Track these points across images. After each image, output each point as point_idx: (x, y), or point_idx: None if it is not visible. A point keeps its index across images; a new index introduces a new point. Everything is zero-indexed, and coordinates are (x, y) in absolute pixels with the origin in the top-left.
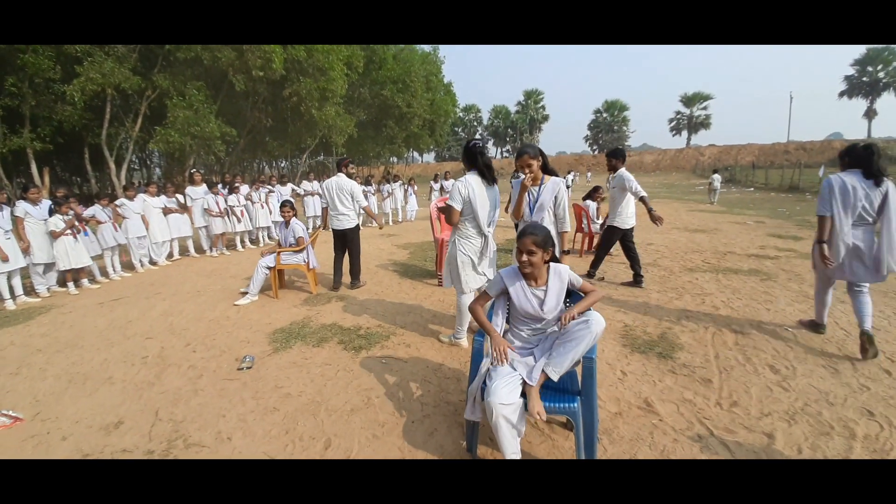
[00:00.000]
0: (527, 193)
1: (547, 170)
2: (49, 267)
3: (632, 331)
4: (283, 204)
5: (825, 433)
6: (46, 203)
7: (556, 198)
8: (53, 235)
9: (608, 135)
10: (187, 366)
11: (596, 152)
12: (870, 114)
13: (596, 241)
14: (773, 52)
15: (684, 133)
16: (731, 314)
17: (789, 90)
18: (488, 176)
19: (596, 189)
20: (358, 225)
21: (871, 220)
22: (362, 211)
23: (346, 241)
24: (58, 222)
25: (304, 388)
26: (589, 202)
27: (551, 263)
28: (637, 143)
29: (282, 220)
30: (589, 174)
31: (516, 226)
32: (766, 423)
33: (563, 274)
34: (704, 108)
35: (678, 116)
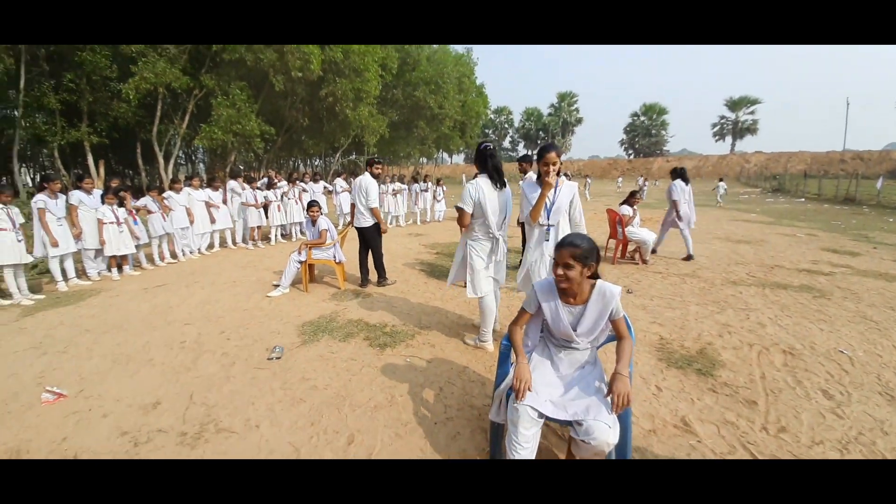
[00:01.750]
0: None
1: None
2: (99, 252)
3: (668, 344)
4: (311, 204)
5: None
6: (99, 193)
7: (571, 201)
8: (99, 224)
9: (645, 139)
10: (221, 353)
11: (632, 157)
12: None
13: (631, 247)
14: (828, 55)
15: (728, 139)
16: (778, 332)
17: (846, 95)
18: (498, 179)
19: (632, 194)
20: (376, 224)
21: None
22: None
23: (365, 239)
24: (105, 211)
25: (329, 381)
26: (625, 207)
27: (598, 281)
28: (676, 149)
29: (310, 217)
30: (620, 180)
31: (522, 228)
32: (818, 451)
33: (607, 295)
34: (752, 113)
35: (722, 121)
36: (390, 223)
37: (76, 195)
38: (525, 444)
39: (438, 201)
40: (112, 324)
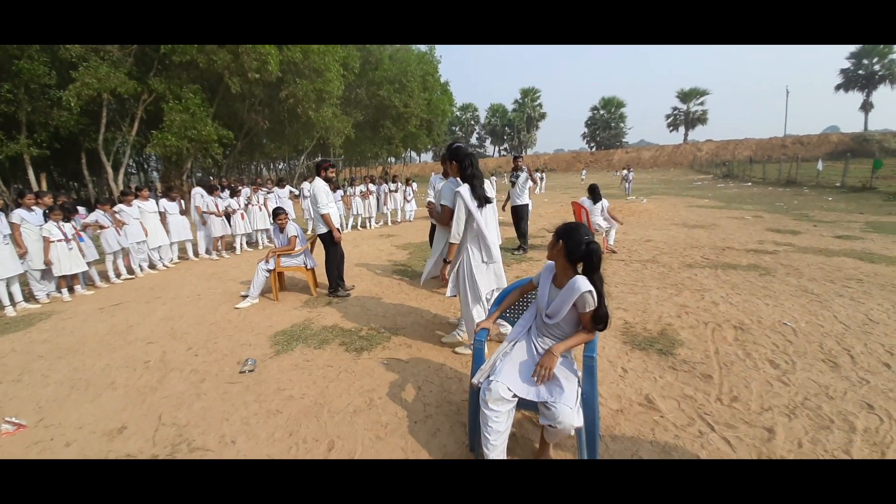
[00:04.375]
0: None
1: (465, 176)
2: (46, 273)
3: (632, 328)
4: (277, 211)
5: (825, 427)
6: (41, 210)
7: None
8: (46, 242)
9: (605, 132)
10: (189, 370)
11: (594, 149)
12: (866, 107)
13: (604, 244)
14: (769, 47)
15: (682, 129)
16: (730, 309)
17: (786, 84)
18: (481, 195)
19: (591, 189)
20: (331, 230)
21: None
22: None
23: (324, 245)
24: (51, 229)
25: (306, 390)
26: (586, 201)
27: (577, 277)
28: (634, 140)
29: (277, 225)
30: (584, 172)
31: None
32: (767, 417)
33: (574, 287)
34: (701, 104)
35: (675, 112)
36: (360, 226)
37: (18, 213)
38: (497, 419)
39: (409, 201)
40: (67, 348)
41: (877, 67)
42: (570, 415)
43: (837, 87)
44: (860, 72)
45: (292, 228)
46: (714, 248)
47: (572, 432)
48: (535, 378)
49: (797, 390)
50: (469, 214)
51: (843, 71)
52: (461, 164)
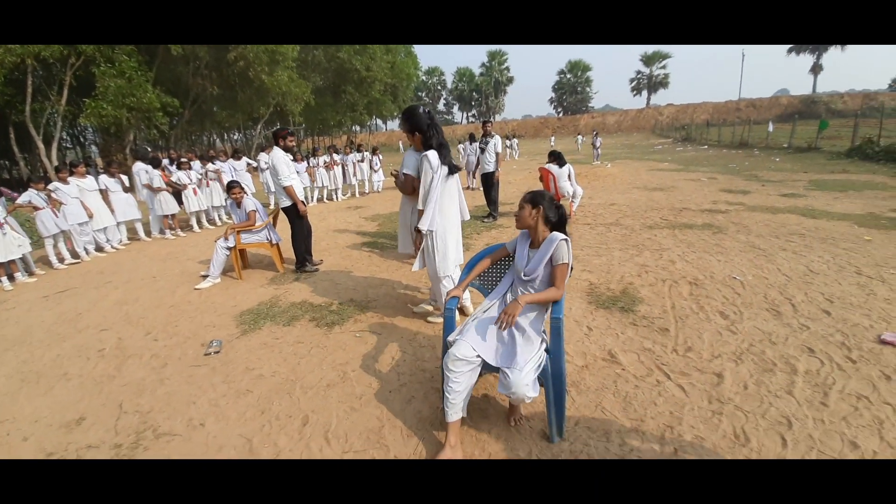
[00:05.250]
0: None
1: (427, 144)
2: None
3: (596, 288)
4: (230, 185)
5: (768, 370)
6: None
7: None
8: None
9: (572, 96)
10: (150, 355)
11: (561, 115)
12: (815, 69)
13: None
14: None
15: (645, 93)
16: (685, 267)
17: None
18: (448, 163)
19: (551, 155)
20: (295, 203)
21: None
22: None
23: (289, 219)
24: None
25: (276, 367)
26: (554, 167)
27: (554, 232)
28: (600, 104)
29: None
30: (553, 138)
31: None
32: (717, 364)
33: (552, 240)
34: (663, 67)
35: (638, 76)
36: (327, 198)
37: None
38: (456, 379)
39: (376, 171)
40: (12, 339)
41: None
42: (523, 386)
43: (789, 51)
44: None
45: (249, 203)
46: (672, 210)
47: (527, 401)
48: (499, 324)
49: (744, 338)
50: (434, 180)
51: None
52: (424, 135)
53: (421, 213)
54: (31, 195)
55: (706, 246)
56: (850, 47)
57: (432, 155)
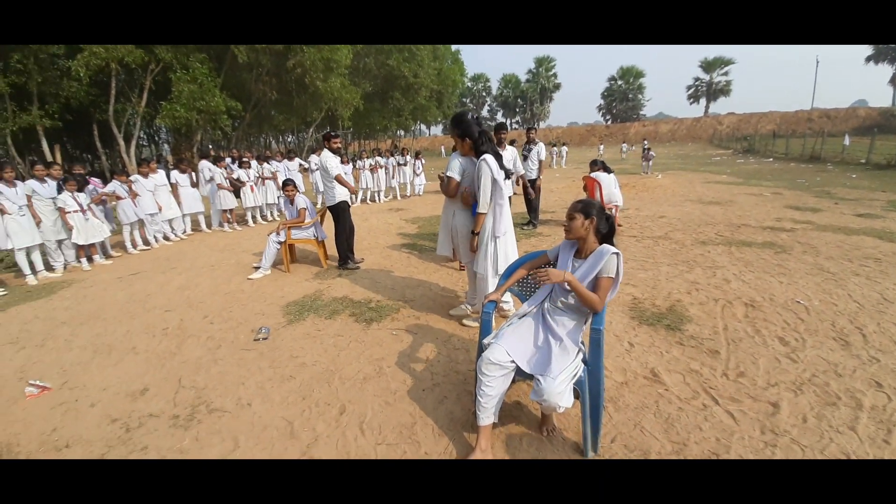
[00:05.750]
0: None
1: (478, 150)
2: (60, 243)
3: (640, 303)
4: (285, 183)
5: (831, 403)
6: (53, 181)
7: (476, 177)
8: (62, 213)
9: (622, 104)
10: (206, 337)
11: (609, 122)
12: (895, 81)
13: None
14: None
15: (703, 101)
16: (741, 287)
17: (816, 54)
18: (494, 151)
19: (593, 163)
20: (345, 202)
21: None
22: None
23: (333, 218)
24: (67, 199)
25: (318, 357)
26: (601, 174)
27: (605, 245)
28: (653, 112)
29: (287, 197)
30: (601, 147)
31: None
32: (772, 392)
33: (603, 252)
34: (725, 74)
35: (697, 83)
36: (370, 199)
37: (29, 185)
38: (490, 384)
39: (418, 175)
40: (88, 314)
41: None
42: (556, 395)
43: (868, 59)
44: (892, 44)
45: (301, 201)
46: (729, 225)
47: (559, 410)
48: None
49: (805, 367)
50: (495, 183)
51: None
52: (476, 141)
53: (480, 216)
54: (115, 186)
55: (766, 266)
56: None
57: (490, 159)
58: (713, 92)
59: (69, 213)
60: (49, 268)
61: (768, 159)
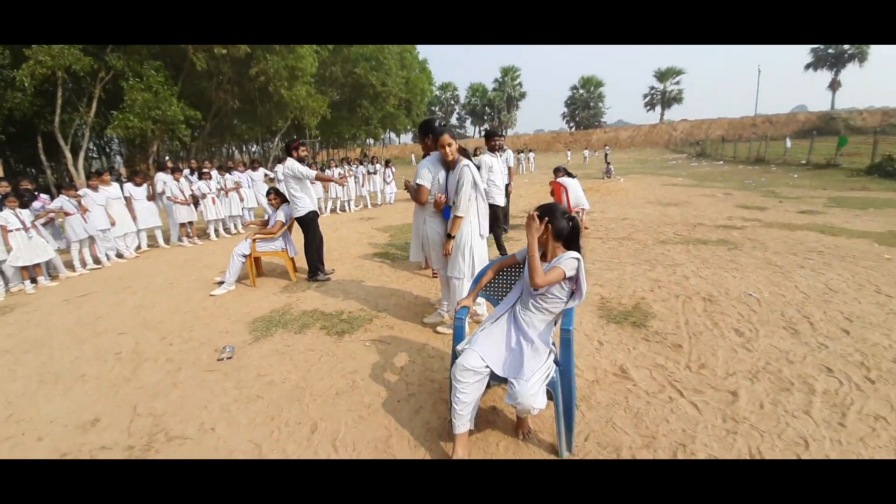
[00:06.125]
0: (443, 175)
1: (465, 152)
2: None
3: (608, 303)
4: (268, 192)
5: (785, 389)
6: None
7: (457, 182)
8: (3, 231)
9: (584, 111)
10: (164, 359)
11: (573, 129)
12: (834, 85)
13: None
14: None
15: (658, 109)
16: (699, 283)
17: (758, 63)
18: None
19: (556, 170)
20: (314, 211)
21: None
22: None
23: (302, 229)
24: (8, 217)
25: (287, 374)
26: (568, 180)
27: (569, 251)
28: (613, 120)
29: (259, 206)
30: (569, 153)
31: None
32: (731, 382)
33: (562, 258)
34: (677, 83)
35: (652, 91)
36: (339, 209)
37: None
38: (464, 390)
39: (388, 183)
40: (33, 341)
41: (846, 46)
42: (529, 397)
43: (807, 66)
44: (830, 50)
45: (281, 214)
46: (686, 225)
47: (534, 412)
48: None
49: (759, 356)
50: (476, 187)
51: (813, 49)
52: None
53: (458, 220)
54: (62, 201)
55: (721, 262)
56: (869, 63)
57: (472, 165)
58: (667, 100)
59: (11, 231)
60: None
61: (719, 162)
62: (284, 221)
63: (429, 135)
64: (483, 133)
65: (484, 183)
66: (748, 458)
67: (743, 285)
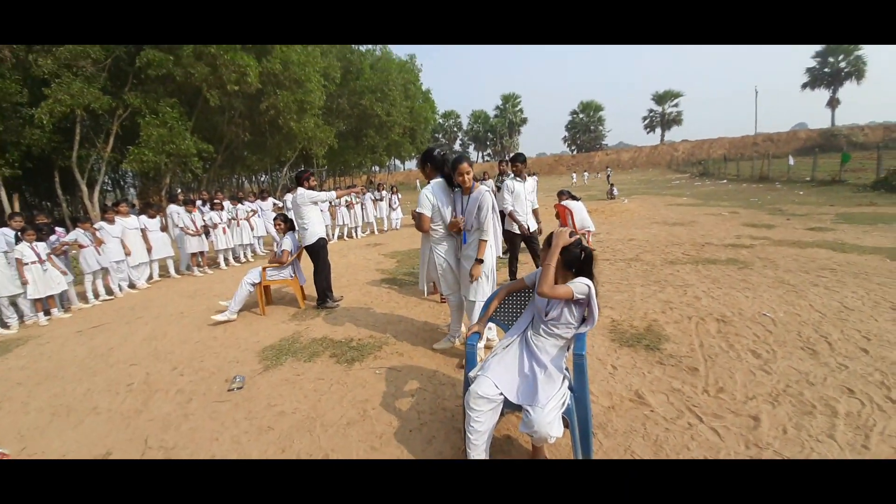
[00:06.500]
0: (457, 202)
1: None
2: (14, 298)
3: (619, 325)
4: (275, 218)
5: (808, 412)
6: (9, 231)
7: (478, 206)
8: (19, 264)
9: (585, 135)
10: (175, 390)
11: (574, 152)
12: (833, 103)
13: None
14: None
15: (658, 130)
16: (711, 303)
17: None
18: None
19: (560, 193)
20: (322, 238)
21: None
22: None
23: (311, 257)
24: (24, 250)
25: (297, 404)
26: (572, 202)
27: (579, 277)
28: (614, 142)
29: (268, 234)
30: (574, 175)
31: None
32: (752, 406)
33: (574, 283)
34: (675, 105)
35: (651, 114)
36: (347, 235)
37: None
38: (478, 419)
39: (394, 209)
40: (45, 374)
41: (843, 65)
42: (546, 425)
43: (804, 86)
44: (826, 70)
45: (286, 242)
46: (694, 245)
47: (550, 441)
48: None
49: (779, 378)
50: (494, 211)
51: (808, 70)
52: (442, 170)
53: (484, 244)
54: (77, 234)
55: (732, 281)
56: (866, 80)
57: (491, 191)
58: (666, 122)
59: (27, 264)
60: (3, 324)
61: (722, 181)
62: (291, 250)
63: (428, 163)
64: (511, 157)
65: (510, 206)
66: None
67: (756, 305)
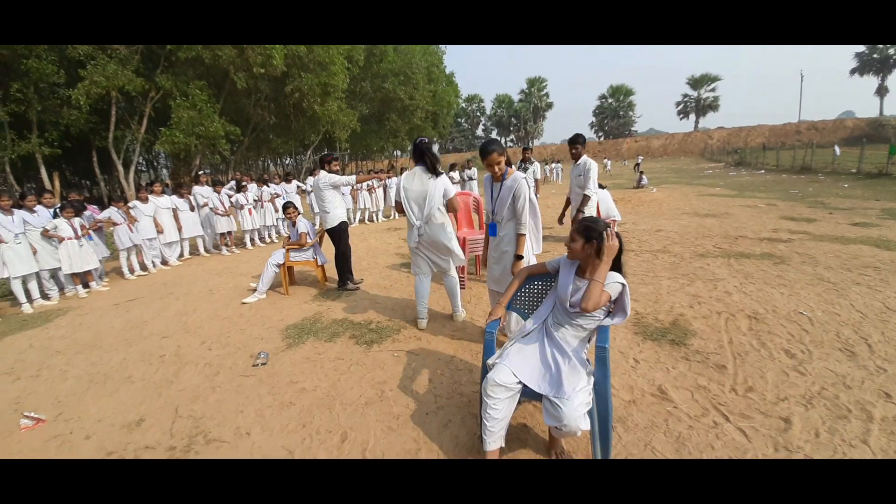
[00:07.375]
0: (490, 189)
1: (508, 162)
2: (54, 271)
3: (643, 318)
4: (286, 206)
5: (842, 416)
6: (45, 209)
7: (513, 195)
8: (53, 237)
9: (614, 120)
10: (204, 363)
11: (601, 139)
12: (881, 91)
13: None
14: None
15: (692, 116)
16: (743, 299)
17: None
18: (432, 169)
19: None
20: (343, 222)
21: None
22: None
23: (332, 240)
24: (62, 226)
25: (318, 382)
26: (599, 190)
27: (612, 272)
28: (644, 128)
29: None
30: (608, 162)
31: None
32: (783, 407)
33: (608, 284)
34: (713, 90)
35: (685, 99)
36: (367, 219)
37: (19, 215)
38: (495, 406)
39: None
40: (84, 343)
41: (892, 51)
42: (576, 419)
43: (852, 72)
44: (875, 56)
45: (302, 224)
46: (726, 238)
47: (578, 434)
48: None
49: (814, 380)
50: (531, 202)
51: (857, 55)
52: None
53: (523, 238)
54: (111, 212)
55: (767, 277)
56: None
57: (526, 178)
58: (702, 108)
59: (64, 240)
60: (45, 296)
61: (760, 171)
62: (308, 233)
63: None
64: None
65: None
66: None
67: (792, 303)
